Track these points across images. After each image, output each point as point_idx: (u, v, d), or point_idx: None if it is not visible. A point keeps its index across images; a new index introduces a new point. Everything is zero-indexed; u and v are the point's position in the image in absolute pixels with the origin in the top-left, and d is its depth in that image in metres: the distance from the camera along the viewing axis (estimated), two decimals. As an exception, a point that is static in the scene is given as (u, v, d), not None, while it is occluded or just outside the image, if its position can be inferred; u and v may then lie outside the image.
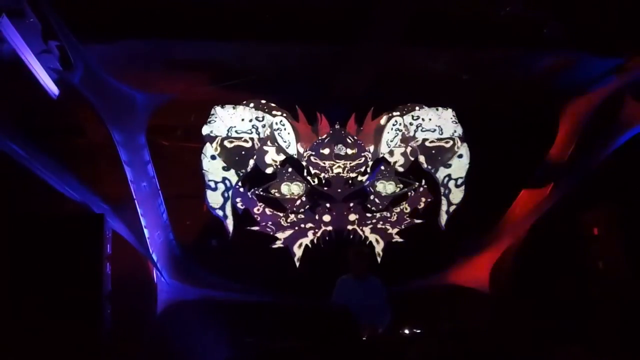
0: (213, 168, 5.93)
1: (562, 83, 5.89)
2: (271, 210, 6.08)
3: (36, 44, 4.08)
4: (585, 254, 6.03)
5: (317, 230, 6.14)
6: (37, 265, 4.23)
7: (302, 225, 6.12)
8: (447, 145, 6.41)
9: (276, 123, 6.06)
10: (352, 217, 6.19)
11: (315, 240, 6.13)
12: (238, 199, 5.99)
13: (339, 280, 4.82)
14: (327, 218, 6.15)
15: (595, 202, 5.94)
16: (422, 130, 6.37)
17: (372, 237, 6.22)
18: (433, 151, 6.39)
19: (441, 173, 6.41)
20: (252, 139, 6.04)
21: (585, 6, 4.80)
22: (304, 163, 6.12)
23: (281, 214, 6.09)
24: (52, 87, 4.48)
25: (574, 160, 6.02)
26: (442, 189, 6.41)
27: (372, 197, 6.26)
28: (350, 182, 6.18)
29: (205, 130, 5.92)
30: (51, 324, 4.14)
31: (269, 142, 6.07)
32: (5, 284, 4.16)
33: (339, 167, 6.14)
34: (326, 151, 6.14)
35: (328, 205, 6.16)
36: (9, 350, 4.03)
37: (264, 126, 6.06)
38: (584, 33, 4.99)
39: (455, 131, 6.44)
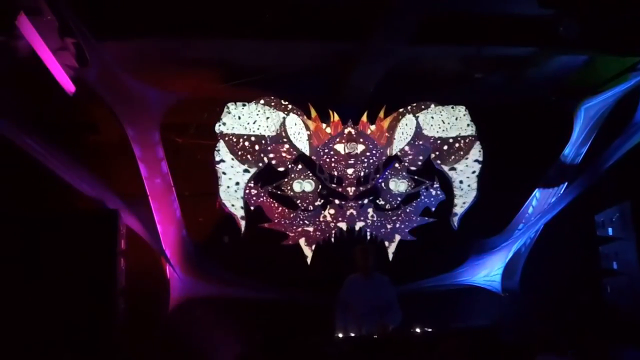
0: (225, 165, 5.95)
1: (577, 81, 5.84)
2: (283, 207, 6.10)
3: (53, 41, 4.15)
4: (598, 254, 5.98)
5: (328, 227, 6.14)
6: (51, 260, 4.29)
7: (314, 223, 6.13)
8: (460, 144, 6.37)
9: (288, 120, 6.06)
10: (364, 215, 6.18)
11: (326, 238, 6.13)
12: (250, 196, 6.01)
13: (347, 278, 4.83)
14: (338, 216, 6.15)
15: (609, 202, 5.90)
16: (434, 129, 6.34)
17: (384, 236, 6.22)
18: (445, 149, 6.36)
19: (453, 171, 6.38)
20: (264, 136, 6.05)
21: (601, 4, 4.76)
22: (316, 161, 6.13)
23: (293, 212, 6.10)
24: (68, 84, 4.54)
25: (589, 159, 5.96)
26: (454, 188, 6.38)
27: (383, 195, 6.25)
28: (362, 180, 6.17)
29: (218, 127, 5.94)
30: (65, 319, 4.19)
31: (281, 140, 6.08)
32: (19, 279, 4.22)
33: (351, 165, 6.14)
34: (338, 149, 6.13)
35: (340, 203, 6.16)
36: (22, 346, 4.09)
37: (276, 123, 6.06)
38: (600, 32, 4.94)
39: (468, 129, 6.40)
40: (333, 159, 6.12)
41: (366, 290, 4.72)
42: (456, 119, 6.39)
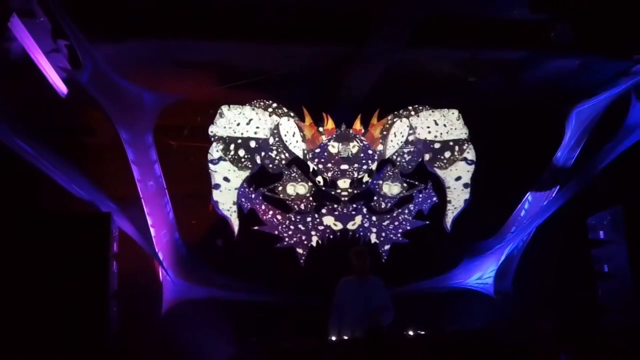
0: (219, 168, 5.94)
1: (569, 85, 5.88)
2: (276, 210, 6.10)
3: (46, 43, 4.11)
4: (590, 256, 6.02)
5: (322, 230, 6.15)
6: (43, 263, 4.26)
7: (307, 226, 6.13)
8: (453, 147, 6.39)
9: (282, 123, 6.06)
10: (357, 218, 6.20)
11: (320, 241, 6.14)
12: (244, 199, 6.01)
13: (340, 281, 4.83)
14: (332, 219, 6.17)
15: (601, 205, 5.94)
16: (428, 132, 6.37)
17: (377, 239, 6.23)
18: (439, 153, 6.38)
19: (447, 174, 6.41)
20: (258, 139, 6.05)
21: (593, 8, 4.79)
22: (309, 163, 6.13)
23: (286, 214, 6.11)
24: (61, 86, 4.51)
25: (581, 163, 6.00)
26: (447, 191, 6.40)
27: (377, 198, 6.27)
28: (355, 183, 6.18)
29: (212, 130, 5.94)
30: (57, 323, 4.17)
31: (275, 143, 6.08)
32: (11, 281, 4.19)
33: (344, 168, 6.15)
34: (332, 152, 6.14)
35: (333, 206, 6.17)
36: (15, 349, 4.06)
37: (270, 126, 6.07)
38: (592, 36, 4.98)
39: (461, 133, 6.42)
40: (326, 162, 6.13)
41: (360, 293, 4.72)
42: (449, 122, 6.41)
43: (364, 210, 6.22)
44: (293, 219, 6.11)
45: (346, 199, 6.17)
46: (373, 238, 6.21)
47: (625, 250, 5.50)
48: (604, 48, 5.15)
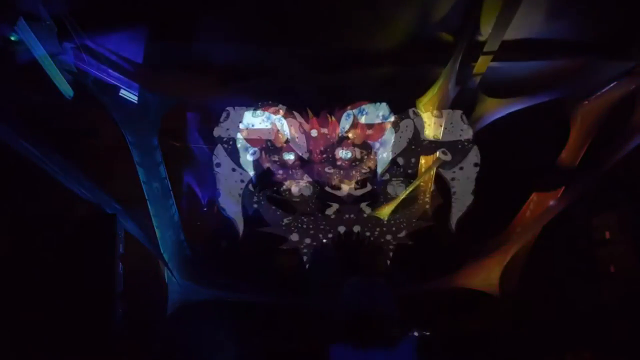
0: (224, 169, 5.96)
1: (574, 86, 5.86)
2: (281, 211, 6.11)
3: (52, 45, 4.16)
4: (596, 257, 5.99)
5: (326, 231, 6.15)
6: (49, 264, 4.30)
7: (312, 227, 6.14)
8: (457, 147, 6.38)
9: (287, 125, 6.08)
10: (362, 218, 6.19)
11: (324, 242, 6.14)
12: (249, 200, 6.02)
13: (346, 282, 4.82)
14: (336, 220, 6.17)
15: (607, 205, 5.91)
16: (432, 133, 6.35)
17: (381, 239, 6.22)
18: (443, 153, 6.37)
19: (451, 175, 6.39)
20: (262, 140, 6.07)
21: (597, 9, 4.78)
22: (314, 164, 6.14)
23: (291, 215, 6.12)
24: (66, 89, 4.55)
25: (586, 163, 5.98)
26: (451, 191, 6.39)
27: (381, 199, 6.26)
28: (359, 183, 6.19)
29: (216, 132, 5.96)
30: (63, 323, 4.20)
31: (279, 144, 6.09)
32: (17, 283, 4.22)
33: (348, 168, 6.15)
34: (336, 153, 6.15)
35: (337, 206, 6.17)
36: (21, 349, 4.09)
37: (274, 128, 6.08)
38: (597, 36, 4.97)
39: (465, 133, 6.41)
40: (331, 163, 6.13)
41: (366, 294, 4.71)
42: (453, 122, 6.39)
43: (369, 210, 6.22)
44: (297, 220, 6.11)
45: (350, 199, 6.17)
46: (377, 239, 6.21)
47: (632, 251, 5.47)
48: (608, 48, 5.13)
